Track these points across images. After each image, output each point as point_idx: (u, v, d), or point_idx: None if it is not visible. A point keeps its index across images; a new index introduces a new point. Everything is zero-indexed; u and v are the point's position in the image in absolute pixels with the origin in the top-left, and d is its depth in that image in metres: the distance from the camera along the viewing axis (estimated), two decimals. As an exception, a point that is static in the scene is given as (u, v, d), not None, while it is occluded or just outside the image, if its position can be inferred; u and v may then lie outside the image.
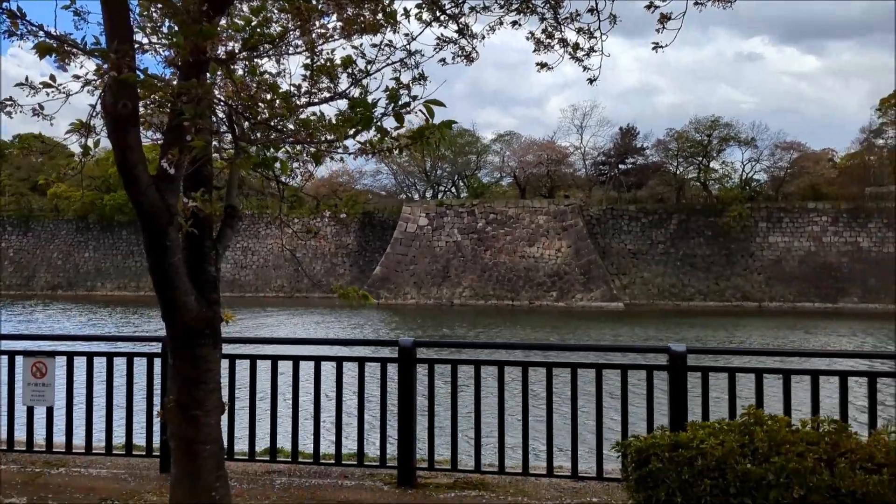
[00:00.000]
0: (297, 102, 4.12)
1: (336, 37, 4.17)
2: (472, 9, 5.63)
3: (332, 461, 7.57)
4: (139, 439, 8.01)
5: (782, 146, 66.36)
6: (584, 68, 5.83)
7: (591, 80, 5.98)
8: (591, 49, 5.70)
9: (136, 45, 3.70)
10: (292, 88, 4.19)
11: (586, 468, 7.17)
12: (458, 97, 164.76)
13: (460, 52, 5.60)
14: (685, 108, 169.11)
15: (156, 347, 7.83)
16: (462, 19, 5.51)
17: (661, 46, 5.49)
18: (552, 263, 62.21)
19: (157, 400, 7.05)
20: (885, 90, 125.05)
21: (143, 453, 7.83)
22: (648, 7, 5.23)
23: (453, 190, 75.97)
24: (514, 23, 5.74)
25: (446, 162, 73.38)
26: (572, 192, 69.98)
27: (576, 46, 5.71)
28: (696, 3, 5.38)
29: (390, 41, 4.63)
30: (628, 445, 4.87)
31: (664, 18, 5.31)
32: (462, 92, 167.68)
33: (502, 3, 5.69)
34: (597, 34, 5.61)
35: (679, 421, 6.23)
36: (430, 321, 48.36)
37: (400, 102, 3.84)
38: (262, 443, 7.88)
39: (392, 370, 7.35)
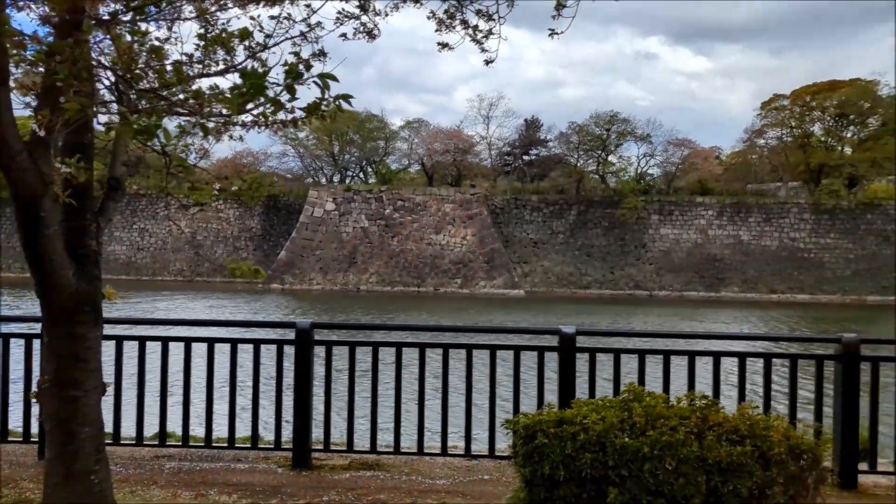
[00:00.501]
0: (190, 73, 3.97)
1: (230, 5, 4.05)
2: None
3: (225, 444, 7.41)
4: (16, 424, 7.57)
5: (674, 143, 69.70)
6: (483, 50, 5.92)
7: (487, 62, 6.09)
8: (490, 31, 5.76)
9: (9, 1, 3.47)
10: (183, 57, 4.03)
11: (480, 447, 7.33)
12: (367, 82, 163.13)
13: (362, 28, 5.56)
14: (587, 102, 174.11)
15: (36, 329, 7.40)
16: None
17: (557, 33, 5.66)
18: (457, 251, 62.89)
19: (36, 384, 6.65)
20: (767, 92, 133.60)
21: (20, 439, 7.41)
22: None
23: (361, 175, 75.35)
24: (417, 0, 5.74)
25: (354, 147, 72.64)
26: (478, 181, 70.87)
27: (475, 28, 5.76)
28: (587, -6, 5.52)
29: (289, 14, 4.53)
30: (517, 422, 5.01)
31: (559, 6, 5.46)
32: (371, 77, 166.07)
33: None
34: (495, 17, 5.68)
35: (567, 399, 6.47)
36: (336, 306, 47.96)
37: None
38: (152, 428, 7.61)
39: (289, 352, 7.24)
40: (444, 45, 5.89)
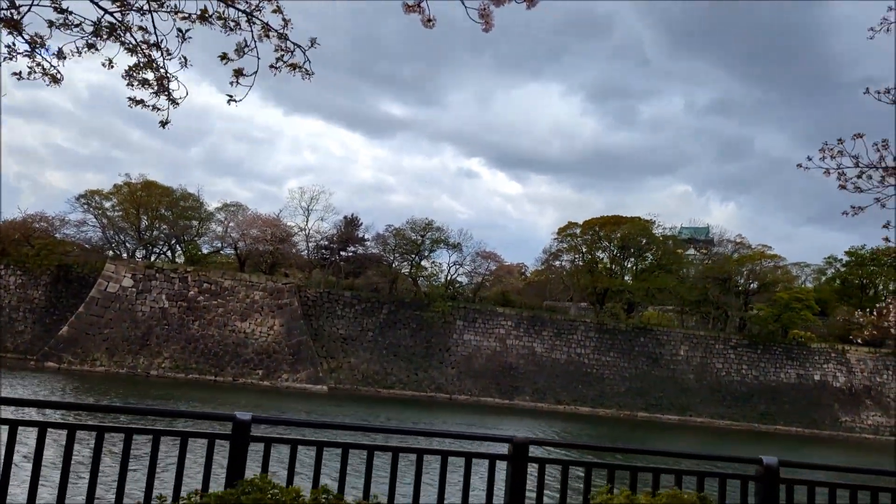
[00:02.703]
0: None
1: None
2: (50, 23, 5.46)
3: None
4: None
5: (482, 254, 74.67)
6: (156, 109, 5.97)
7: (162, 124, 6.06)
8: (163, 82, 5.86)
9: None
10: None
11: None
12: (194, 161, 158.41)
13: (38, 68, 5.46)
14: (412, 210, 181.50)
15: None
16: (29, 29, 5.27)
17: (235, 100, 5.96)
18: (262, 341, 61.43)
19: None
20: (569, 219, 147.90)
21: None
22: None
23: (168, 254, 72.08)
24: (91, 46, 5.66)
25: (164, 223, 69.74)
26: (293, 271, 70.59)
27: (162, 79, 5.87)
28: (270, 67, 5.93)
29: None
30: None
31: (238, 74, 5.81)
32: (199, 156, 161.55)
33: (77, 22, 5.49)
34: (163, 71, 5.85)
35: None
36: (115, 391, 44.38)
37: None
38: None
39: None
40: (136, 101, 5.91)
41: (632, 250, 77.83)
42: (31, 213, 68.56)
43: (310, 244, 73.13)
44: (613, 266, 77.96)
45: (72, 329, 57.74)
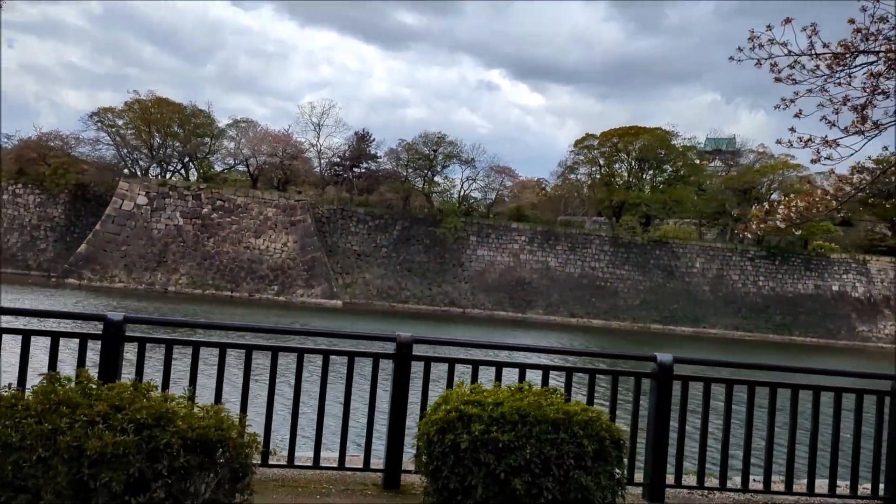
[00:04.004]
0: None
1: None
2: None
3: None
4: None
5: (496, 169, 73.64)
6: None
7: None
8: None
9: None
10: None
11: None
12: (207, 78, 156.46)
13: None
14: (428, 124, 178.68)
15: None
16: None
17: None
18: (276, 257, 62.15)
19: None
20: (591, 132, 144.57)
21: None
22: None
23: (182, 172, 72.27)
24: None
25: (177, 140, 69.59)
26: (305, 188, 70.54)
27: None
28: None
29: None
30: None
31: None
32: (212, 73, 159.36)
33: None
34: None
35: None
36: (138, 305, 45.55)
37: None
38: None
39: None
40: None
41: (650, 162, 76.23)
42: (46, 131, 68.73)
43: (322, 161, 72.74)
44: (631, 179, 76.62)
45: (90, 246, 58.83)
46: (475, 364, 6.75)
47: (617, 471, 5.03)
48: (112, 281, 57.58)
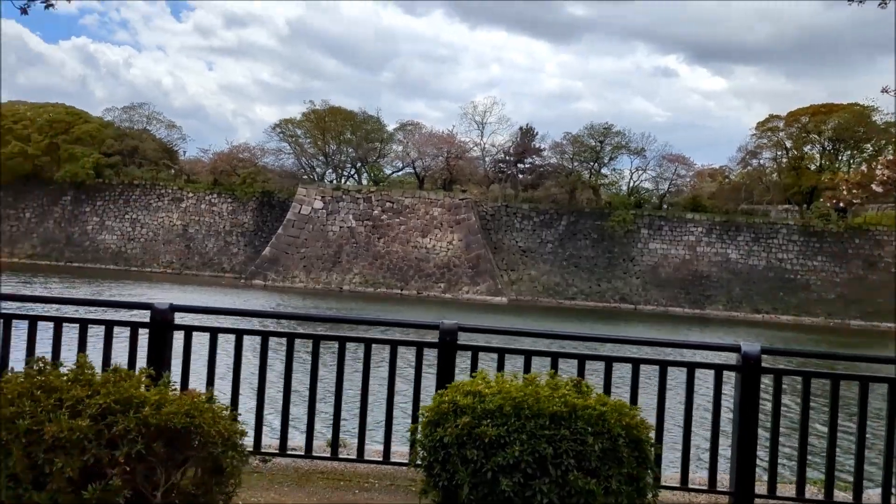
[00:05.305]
0: None
1: None
2: None
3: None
4: None
5: (668, 158, 69.69)
6: None
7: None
8: None
9: None
10: None
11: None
12: (384, 85, 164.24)
13: None
14: (601, 116, 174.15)
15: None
16: None
17: None
18: (443, 255, 63.32)
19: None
20: (782, 113, 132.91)
21: None
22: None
23: (355, 176, 76.04)
24: None
25: (350, 147, 73.35)
26: (470, 187, 71.26)
27: None
28: None
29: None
30: None
31: None
32: (389, 80, 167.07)
33: None
34: None
35: None
36: (316, 303, 48.41)
37: None
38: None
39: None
40: None
41: (847, 142, 68.19)
42: (236, 144, 75.44)
43: (486, 158, 73.04)
44: (824, 161, 69.05)
45: (273, 249, 63.60)
46: (527, 354, 6.21)
47: (646, 474, 4.02)
48: (293, 281, 61.79)
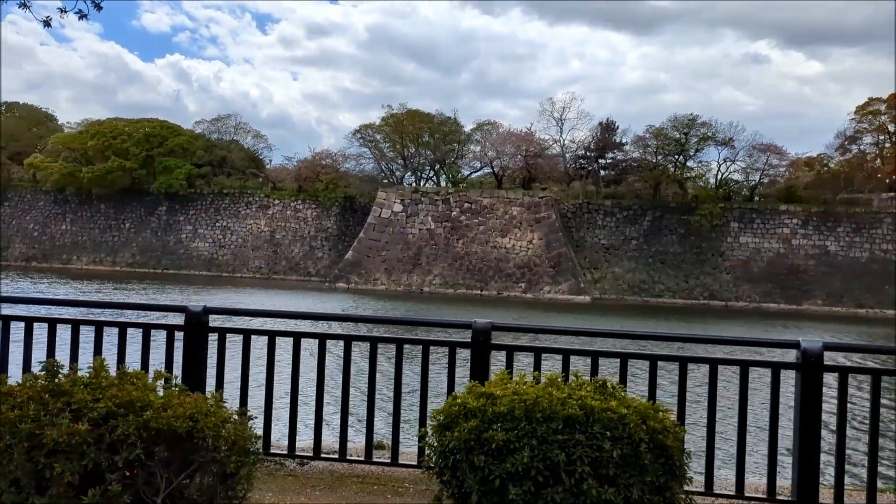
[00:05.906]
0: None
1: None
2: None
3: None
4: None
5: (759, 147, 66.38)
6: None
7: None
8: None
9: None
10: None
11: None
12: (463, 87, 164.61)
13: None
14: (688, 107, 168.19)
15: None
16: None
17: None
18: (523, 255, 62.60)
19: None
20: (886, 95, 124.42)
21: None
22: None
23: (434, 178, 76.32)
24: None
25: (428, 149, 73.70)
26: (549, 184, 70.18)
27: None
28: None
29: None
30: None
31: None
32: (468, 82, 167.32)
33: None
34: None
35: None
36: (395, 305, 48.78)
37: None
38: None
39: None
40: None
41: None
42: (318, 151, 77.19)
43: (566, 155, 71.76)
44: (933, 144, 64.18)
45: (355, 253, 64.62)
46: (565, 353, 5.87)
47: (675, 482, 3.56)
48: (375, 284, 62.57)
